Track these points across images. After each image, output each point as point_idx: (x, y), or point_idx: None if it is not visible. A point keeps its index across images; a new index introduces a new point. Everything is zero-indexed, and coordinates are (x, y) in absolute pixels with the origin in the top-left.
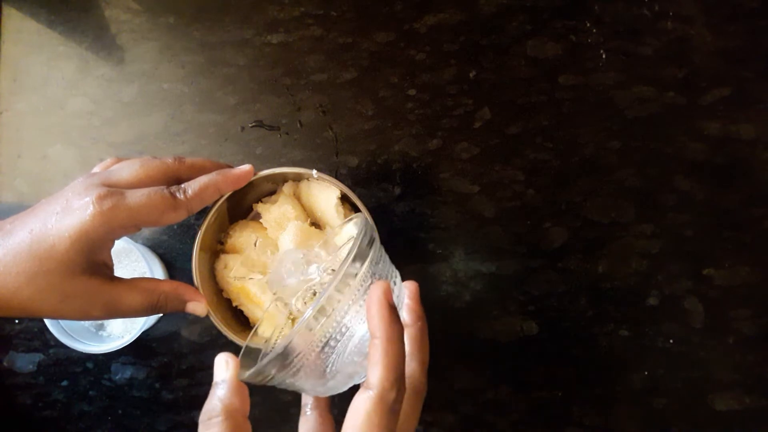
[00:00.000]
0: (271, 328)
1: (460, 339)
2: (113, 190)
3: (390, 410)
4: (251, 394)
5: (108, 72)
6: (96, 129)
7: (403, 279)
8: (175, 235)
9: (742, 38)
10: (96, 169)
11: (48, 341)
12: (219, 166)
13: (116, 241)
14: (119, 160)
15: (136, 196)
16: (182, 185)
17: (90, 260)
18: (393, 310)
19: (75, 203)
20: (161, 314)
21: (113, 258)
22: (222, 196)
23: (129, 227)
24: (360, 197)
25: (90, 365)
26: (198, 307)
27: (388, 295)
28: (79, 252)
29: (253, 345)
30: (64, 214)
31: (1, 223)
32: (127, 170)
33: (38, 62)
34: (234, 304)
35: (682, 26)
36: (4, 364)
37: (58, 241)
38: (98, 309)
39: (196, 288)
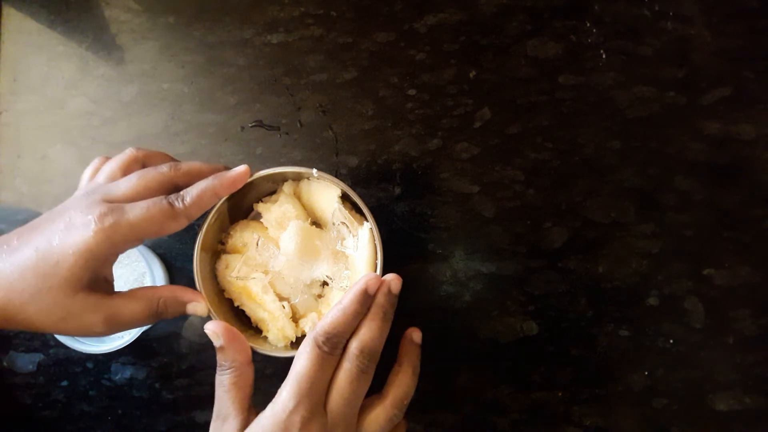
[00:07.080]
0: (277, 333)
1: (460, 339)
2: (114, 206)
3: (318, 352)
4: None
5: (108, 72)
6: (96, 129)
7: (404, 279)
8: (175, 235)
9: (742, 38)
10: (86, 173)
11: (48, 341)
12: (215, 169)
13: None
14: (107, 159)
15: (136, 210)
16: (180, 193)
17: (92, 276)
18: (365, 296)
19: (77, 221)
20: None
21: None
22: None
23: (132, 241)
24: (360, 197)
25: (90, 365)
26: (198, 307)
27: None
28: (83, 268)
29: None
30: (68, 232)
31: (7, 239)
32: (125, 184)
33: (38, 62)
34: (236, 304)
35: (682, 26)
36: (4, 364)
37: (62, 258)
38: (100, 324)
39: (195, 289)
